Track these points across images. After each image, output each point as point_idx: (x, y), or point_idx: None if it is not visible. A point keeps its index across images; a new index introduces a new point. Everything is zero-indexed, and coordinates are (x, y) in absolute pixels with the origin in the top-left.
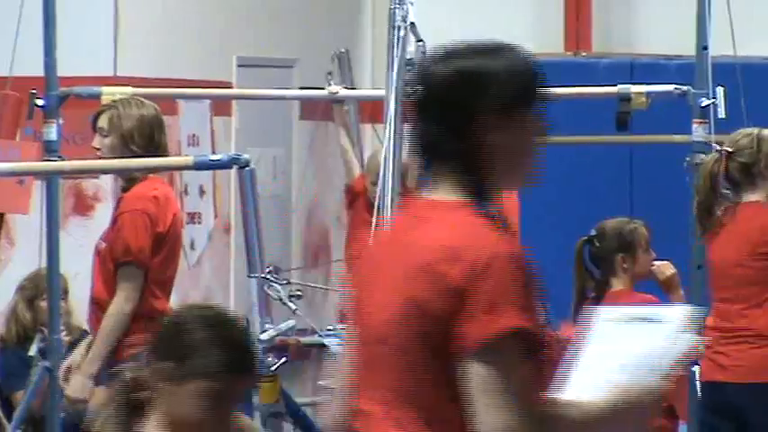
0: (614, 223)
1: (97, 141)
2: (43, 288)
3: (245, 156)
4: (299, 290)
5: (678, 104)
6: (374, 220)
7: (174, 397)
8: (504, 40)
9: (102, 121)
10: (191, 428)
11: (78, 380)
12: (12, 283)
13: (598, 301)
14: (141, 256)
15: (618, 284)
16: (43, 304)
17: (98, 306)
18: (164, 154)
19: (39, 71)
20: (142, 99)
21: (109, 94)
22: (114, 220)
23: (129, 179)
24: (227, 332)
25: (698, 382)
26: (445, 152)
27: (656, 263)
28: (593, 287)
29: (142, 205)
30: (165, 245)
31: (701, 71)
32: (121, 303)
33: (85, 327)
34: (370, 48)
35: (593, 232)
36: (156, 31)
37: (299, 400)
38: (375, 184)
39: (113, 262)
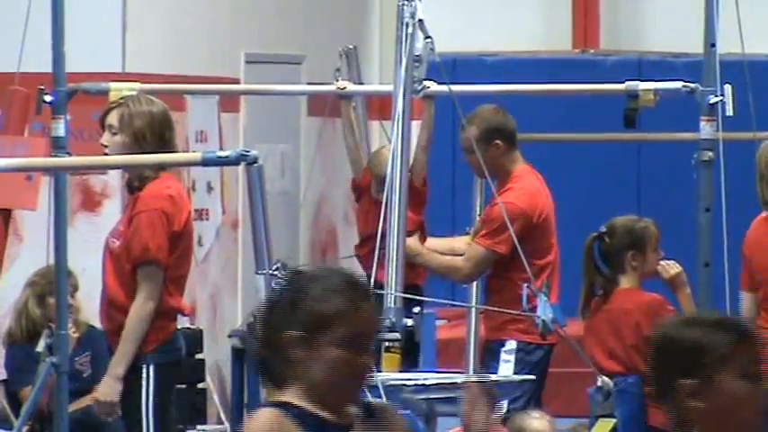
0: (625, 220)
1: (106, 139)
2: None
3: (254, 152)
4: None
5: (686, 102)
6: (382, 214)
7: (710, 403)
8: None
9: (112, 119)
10: (742, 404)
11: (107, 382)
12: (20, 279)
13: (606, 298)
14: (161, 256)
15: (626, 282)
16: (53, 300)
17: (112, 305)
18: (172, 151)
19: (47, 67)
20: (151, 97)
21: (117, 90)
22: (130, 220)
23: (141, 178)
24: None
25: None
26: None
27: (661, 262)
28: (601, 284)
29: (159, 204)
30: (181, 243)
31: (709, 68)
32: (143, 303)
33: (92, 323)
34: (378, 44)
35: (603, 228)
36: (163, 27)
37: None
38: (377, 178)
39: (131, 262)
